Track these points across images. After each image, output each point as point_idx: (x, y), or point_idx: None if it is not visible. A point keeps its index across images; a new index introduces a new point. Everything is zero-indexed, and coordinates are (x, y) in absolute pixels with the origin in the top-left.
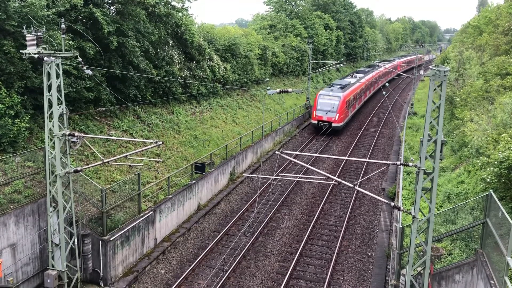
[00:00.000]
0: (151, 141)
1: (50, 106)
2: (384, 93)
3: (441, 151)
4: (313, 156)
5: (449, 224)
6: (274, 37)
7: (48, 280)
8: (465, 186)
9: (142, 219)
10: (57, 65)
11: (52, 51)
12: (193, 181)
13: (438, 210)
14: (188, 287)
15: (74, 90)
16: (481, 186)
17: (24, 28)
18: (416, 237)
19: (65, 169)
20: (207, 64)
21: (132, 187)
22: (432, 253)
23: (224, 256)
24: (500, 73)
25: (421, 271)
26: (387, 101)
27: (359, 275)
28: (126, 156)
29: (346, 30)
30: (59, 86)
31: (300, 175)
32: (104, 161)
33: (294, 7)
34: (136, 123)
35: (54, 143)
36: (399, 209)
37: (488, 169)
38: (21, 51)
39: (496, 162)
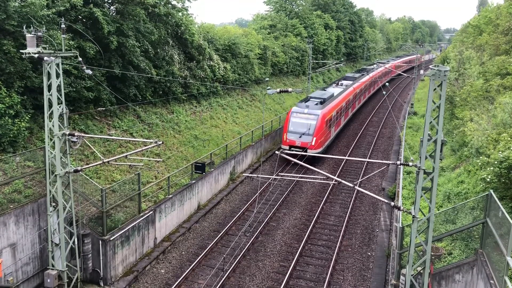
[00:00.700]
0: (151, 140)
1: (50, 105)
2: (384, 92)
3: (441, 151)
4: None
5: (449, 224)
6: (274, 37)
7: (48, 280)
8: (465, 185)
9: (142, 218)
10: (57, 65)
11: (52, 51)
12: (193, 181)
13: (438, 210)
14: (188, 287)
15: (74, 89)
16: (481, 185)
17: (24, 27)
18: (416, 236)
19: (65, 169)
20: (207, 64)
21: (132, 186)
22: (432, 253)
23: (224, 255)
24: (500, 73)
25: (421, 271)
26: (387, 100)
27: (359, 275)
28: (126, 156)
29: (346, 29)
30: (59, 86)
31: (300, 175)
32: (104, 161)
33: (294, 6)
34: (136, 123)
35: (54, 142)
36: (399, 208)
37: (488, 168)
38: (21, 50)
39: (496, 162)
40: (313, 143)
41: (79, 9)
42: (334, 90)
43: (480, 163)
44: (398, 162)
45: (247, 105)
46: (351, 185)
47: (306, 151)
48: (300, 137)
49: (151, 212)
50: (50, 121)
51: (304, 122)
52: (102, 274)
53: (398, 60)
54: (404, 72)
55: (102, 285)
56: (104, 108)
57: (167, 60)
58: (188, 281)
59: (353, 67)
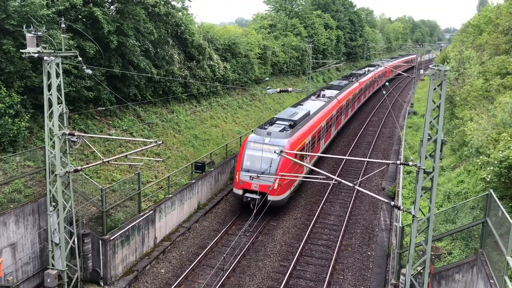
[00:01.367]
0: (151, 140)
1: (50, 105)
2: (384, 92)
3: (441, 151)
4: (314, 155)
5: (449, 224)
6: (274, 36)
7: (48, 280)
8: (465, 185)
9: (142, 218)
10: (57, 65)
11: (52, 51)
12: (193, 181)
13: (438, 210)
14: (188, 287)
15: (74, 89)
16: (481, 185)
17: (24, 27)
18: (416, 236)
19: (65, 169)
20: (207, 64)
21: (132, 186)
22: (432, 253)
23: (224, 255)
24: (500, 73)
25: (421, 271)
26: (387, 100)
27: (359, 275)
28: (126, 155)
29: (346, 29)
30: (59, 86)
31: (301, 175)
32: (104, 160)
33: (294, 6)
34: (136, 122)
35: (54, 142)
36: (399, 208)
37: (488, 168)
38: (21, 50)
39: (496, 162)
40: (275, 187)
41: (79, 8)
42: (311, 105)
43: (480, 163)
44: (398, 162)
45: (247, 104)
46: (351, 184)
47: (266, 198)
48: (257, 178)
49: (151, 212)
50: (50, 120)
51: (263, 156)
52: (102, 273)
53: (395, 61)
54: (402, 73)
55: (102, 284)
56: (104, 108)
57: (167, 59)
58: (188, 281)
59: (353, 67)
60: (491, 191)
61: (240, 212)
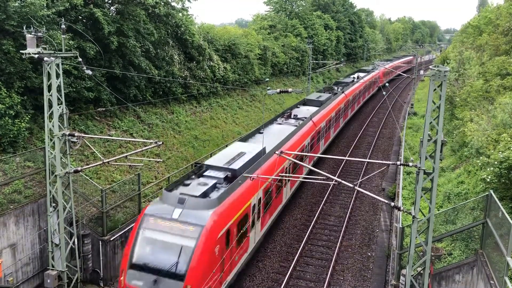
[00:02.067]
0: (151, 141)
1: (50, 106)
2: (384, 93)
3: (441, 151)
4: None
5: (449, 224)
6: (274, 37)
7: (48, 280)
8: (465, 186)
9: None
10: (57, 65)
11: (52, 51)
12: None
13: (438, 210)
14: None
15: (74, 90)
16: (481, 186)
17: (24, 28)
18: (416, 237)
19: (65, 169)
20: (207, 64)
21: (132, 187)
22: (432, 253)
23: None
24: (500, 73)
25: (421, 271)
26: (387, 101)
27: (359, 275)
28: (126, 156)
29: (346, 30)
30: (59, 86)
31: (300, 175)
32: (104, 161)
33: (294, 7)
34: (136, 123)
35: (54, 143)
36: (399, 209)
37: (488, 169)
38: (21, 51)
39: (496, 162)
40: None
41: (79, 9)
42: (273, 135)
43: (480, 164)
44: (398, 163)
45: (247, 105)
46: (351, 185)
47: None
48: (155, 283)
49: None
50: (50, 121)
51: (169, 243)
52: (102, 274)
53: (390, 64)
54: (402, 73)
55: (102, 285)
56: (104, 109)
57: (167, 60)
58: None
59: (353, 68)
60: (491, 191)
61: None
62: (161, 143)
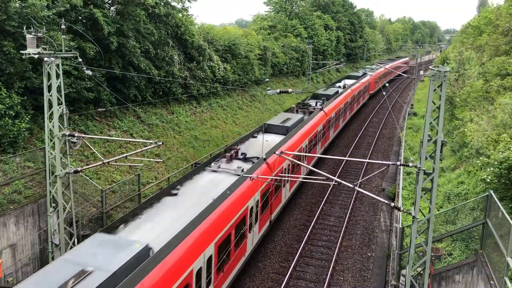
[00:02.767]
0: (151, 141)
1: (50, 106)
2: (384, 93)
3: (441, 152)
4: (314, 156)
5: (449, 225)
6: (274, 37)
7: None
8: (465, 186)
9: None
10: (57, 66)
11: (52, 52)
12: None
13: (438, 211)
14: None
15: (74, 90)
16: (481, 186)
17: (24, 28)
18: (416, 237)
19: (65, 170)
20: (207, 65)
21: (132, 187)
22: (432, 254)
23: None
24: (500, 74)
25: (421, 272)
26: (387, 101)
27: (359, 276)
28: (126, 156)
29: (346, 30)
30: (59, 87)
31: (300, 176)
32: (104, 161)
33: (294, 7)
34: (136, 123)
35: (54, 143)
36: (399, 209)
37: (488, 169)
38: (21, 51)
39: (496, 163)
40: None
41: (79, 10)
42: (177, 215)
43: (480, 164)
44: (398, 163)
45: (247, 105)
46: (351, 185)
47: None
48: None
49: None
50: (50, 121)
51: None
52: None
53: (379, 70)
54: (401, 74)
55: None
56: (104, 109)
57: (167, 60)
58: None
59: (353, 68)
60: (491, 192)
61: None
62: (161, 143)
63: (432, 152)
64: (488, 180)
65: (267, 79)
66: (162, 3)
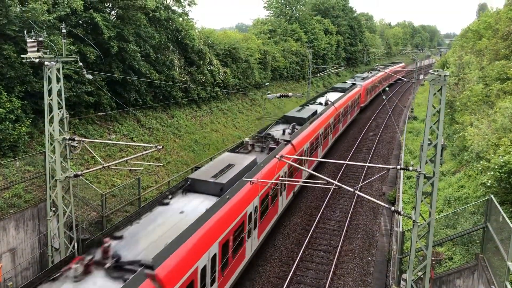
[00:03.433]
0: (151, 145)
1: (51, 110)
2: (384, 97)
3: (441, 156)
4: (314, 160)
5: (449, 229)
6: (274, 41)
7: None
8: (465, 190)
9: None
10: (58, 70)
11: (53, 56)
12: None
13: (439, 215)
14: None
15: (75, 94)
16: (482, 190)
17: (25, 32)
18: (417, 241)
19: (65, 174)
20: (207, 69)
21: (132, 191)
22: (433, 258)
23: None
24: (500, 78)
25: (422, 276)
26: (387, 105)
27: (360, 280)
28: (126, 160)
29: (346, 34)
30: (59, 91)
31: (300, 180)
32: (104, 165)
33: (294, 11)
34: (137, 127)
35: (54, 147)
36: (399, 213)
37: (489, 173)
38: (22, 55)
39: (496, 167)
40: None
41: (80, 14)
42: None
43: (480, 168)
44: (399, 167)
45: (247, 109)
46: (351, 189)
47: None
48: None
49: None
50: (51, 125)
51: None
52: None
53: (374, 76)
54: (404, 76)
55: None
56: (104, 113)
57: (168, 65)
58: None
59: (353, 72)
60: (492, 196)
61: None
62: (161, 147)
63: (432, 156)
64: (488, 184)
65: (267, 83)
66: (163, 7)
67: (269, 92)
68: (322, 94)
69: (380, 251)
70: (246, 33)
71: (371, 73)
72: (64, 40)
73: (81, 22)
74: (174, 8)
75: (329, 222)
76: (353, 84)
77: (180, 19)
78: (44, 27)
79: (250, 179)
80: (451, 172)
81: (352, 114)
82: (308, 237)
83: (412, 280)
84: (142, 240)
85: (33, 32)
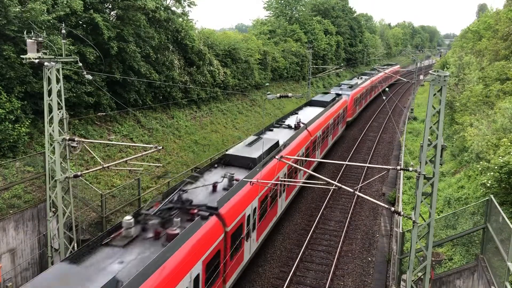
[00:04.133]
0: (151, 146)
1: (50, 111)
2: (384, 98)
3: (441, 156)
4: (314, 160)
5: (449, 229)
6: (274, 42)
7: None
8: (465, 191)
9: None
10: (58, 70)
11: (53, 56)
12: None
13: (439, 215)
14: None
15: (74, 95)
16: (482, 191)
17: (25, 33)
18: (417, 242)
19: (65, 174)
20: (207, 69)
21: (132, 192)
22: (433, 258)
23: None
24: (499, 78)
25: (422, 277)
26: (387, 106)
27: (359, 280)
28: (126, 161)
29: (346, 35)
30: (59, 91)
31: (300, 180)
32: (104, 166)
33: (294, 12)
34: (136, 128)
35: (54, 148)
36: (399, 214)
37: (488, 174)
38: (21, 56)
39: (496, 167)
40: None
41: (80, 14)
42: None
43: (480, 168)
44: (398, 167)
45: (247, 110)
46: (351, 190)
47: None
48: None
49: None
50: (50, 126)
51: None
52: None
53: (363, 83)
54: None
55: None
56: (104, 113)
57: (167, 65)
58: None
59: (353, 72)
60: (492, 196)
61: None
62: (161, 147)
63: (432, 156)
64: (488, 184)
65: (267, 84)
66: (163, 8)
67: (269, 92)
68: (294, 111)
69: (380, 252)
70: (246, 33)
71: (361, 78)
72: (64, 41)
73: (81, 22)
74: (173, 8)
75: (329, 223)
76: (337, 95)
77: (180, 19)
78: (44, 28)
79: (249, 179)
80: (451, 173)
81: (335, 134)
82: (308, 237)
83: (412, 280)
84: (203, 192)
85: (32, 33)
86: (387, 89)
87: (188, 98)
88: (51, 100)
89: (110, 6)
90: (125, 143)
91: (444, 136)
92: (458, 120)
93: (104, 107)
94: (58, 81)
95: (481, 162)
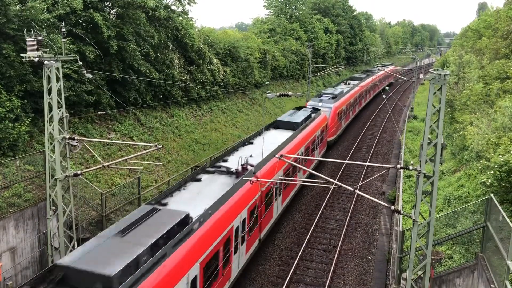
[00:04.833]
0: (151, 144)
1: (50, 109)
2: (384, 96)
3: (441, 155)
4: (314, 159)
5: (449, 228)
6: (274, 40)
7: None
8: (465, 189)
9: None
10: (57, 69)
11: (52, 55)
12: None
13: (439, 214)
14: None
15: (74, 93)
16: (482, 189)
17: (25, 31)
18: (417, 240)
19: (65, 173)
20: (207, 68)
21: (132, 190)
22: (433, 257)
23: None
24: (499, 77)
25: (422, 275)
26: (387, 104)
27: (359, 279)
28: (126, 159)
29: (346, 34)
30: (59, 90)
31: (300, 179)
32: (104, 164)
33: (294, 11)
34: (136, 126)
35: (54, 146)
36: (399, 212)
37: (488, 172)
38: (21, 54)
39: (496, 166)
40: None
41: (79, 13)
42: None
43: (480, 167)
44: (398, 166)
45: (247, 109)
46: (351, 189)
47: None
48: None
49: None
50: (50, 125)
51: None
52: None
53: (350, 91)
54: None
55: None
56: (104, 112)
57: (167, 64)
58: None
59: (353, 71)
60: (492, 195)
61: None
62: (161, 146)
63: (432, 155)
64: (488, 183)
65: (267, 82)
66: (162, 7)
67: (269, 91)
68: (248, 140)
69: (380, 250)
70: (246, 32)
71: (349, 84)
72: (64, 39)
73: (80, 21)
74: (173, 7)
75: (329, 221)
76: (315, 110)
77: (180, 18)
78: (44, 26)
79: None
80: (451, 171)
81: (322, 149)
82: (308, 236)
83: (412, 279)
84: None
85: (32, 31)
86: (387, 88)
87: (188, 96)
88: (51, 98)
89: (110, 5)
90: (125, 142)
91: (444, 135)
92: (458, 118)
93: (104, 105)
94: (58, 79)
95: (481, 161)
